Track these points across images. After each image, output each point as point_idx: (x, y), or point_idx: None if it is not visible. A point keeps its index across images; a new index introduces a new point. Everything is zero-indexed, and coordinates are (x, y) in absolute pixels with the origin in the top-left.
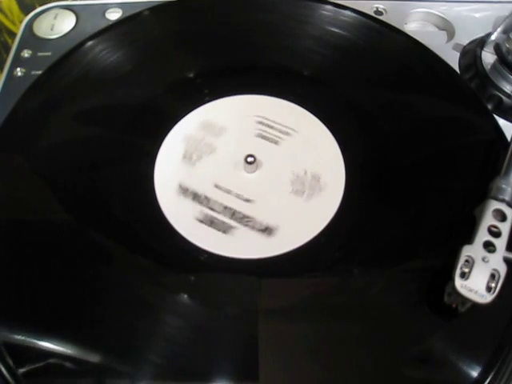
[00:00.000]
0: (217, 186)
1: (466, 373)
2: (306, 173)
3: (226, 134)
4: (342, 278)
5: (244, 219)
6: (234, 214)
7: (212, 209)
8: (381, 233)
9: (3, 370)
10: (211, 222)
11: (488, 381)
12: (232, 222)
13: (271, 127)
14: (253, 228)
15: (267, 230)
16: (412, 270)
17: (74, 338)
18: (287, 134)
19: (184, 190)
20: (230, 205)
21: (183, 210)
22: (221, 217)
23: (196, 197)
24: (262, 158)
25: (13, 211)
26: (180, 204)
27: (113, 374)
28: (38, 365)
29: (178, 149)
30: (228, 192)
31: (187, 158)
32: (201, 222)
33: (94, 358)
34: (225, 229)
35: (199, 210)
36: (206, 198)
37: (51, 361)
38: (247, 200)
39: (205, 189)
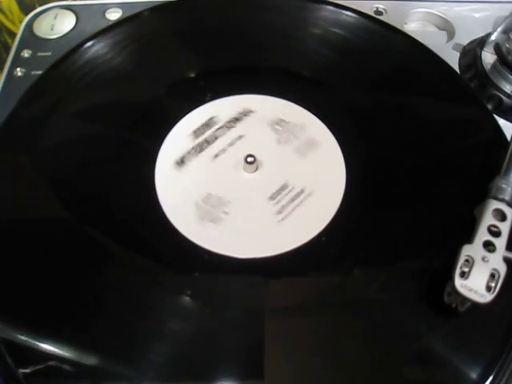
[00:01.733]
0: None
1: (466, 373)
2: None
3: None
4: (342, 277)
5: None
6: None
7: (213, 208)
8: (381, 232)
9: (3, 370)
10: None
11: (488, 381)
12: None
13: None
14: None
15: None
16: (412, 269)
17: (74, 339)
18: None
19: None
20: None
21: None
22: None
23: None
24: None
25: (13, 211)
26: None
27: (113, 374)
28: (38, 365)
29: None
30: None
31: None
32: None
33: (94, 358)
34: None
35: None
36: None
37: (51, 361)
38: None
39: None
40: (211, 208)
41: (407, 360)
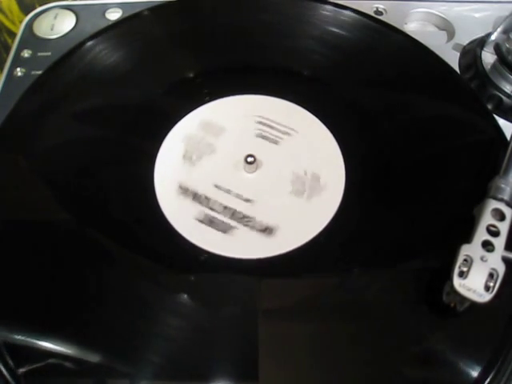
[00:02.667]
0: (217, 186)
1: (466, 373)
2: (305, 173)
3: (226, 133)
4: (342, 277)
5: (244, 219)
6: (233, 214)
7: (212, 209)
8: (380, 233)
9: (3, 370)
10: (211, 222)
11: (488, 381)
12: (232, 222)
13: (271, 127)
14: (253, 228)
15: (267, 230)
16: (412, 269)
17: (73, 338)
18: (287, 134)
19: (184, 190)
20: (229, 205)
21: (183, 210)
22: (221, 217)
23: (196, 197)
24: (262, 157)
25: (13, 211)
26: (180, 204)
27: (113, 374)
28: (37, 365)
29: (178, 149)
30: (228, 192)
31: (187, 158)
32: (201, 221)
33: (93, 358)
34: (225, 229)
35: (199, 209)
36: (206, 198)
37: (51, 361)
38: (247, 200)
39: (205, 189)
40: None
41: (407, 360)
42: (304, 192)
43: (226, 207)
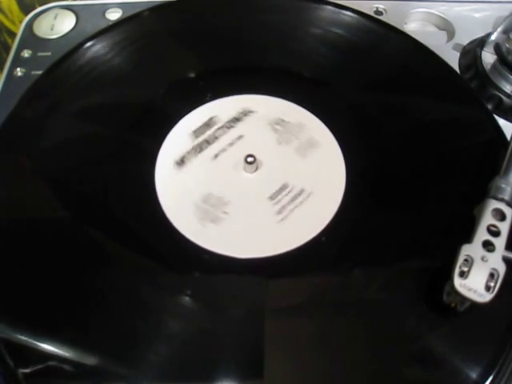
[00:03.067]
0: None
1: (466, 373)
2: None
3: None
4: (342, 277)
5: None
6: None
7: (213, 209)
8: (380, 232)
9: (3, 370)
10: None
11: (488, 381)
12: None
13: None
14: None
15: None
16: (412, 269)
17: (74, 339)
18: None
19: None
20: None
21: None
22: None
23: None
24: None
25: (13, 211)
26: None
27: (113, 374)
28: (38, 365)
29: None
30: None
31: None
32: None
33: (94, 358)
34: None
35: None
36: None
37: (51, 361)
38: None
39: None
40: (211, 208)
41: (407, 360)
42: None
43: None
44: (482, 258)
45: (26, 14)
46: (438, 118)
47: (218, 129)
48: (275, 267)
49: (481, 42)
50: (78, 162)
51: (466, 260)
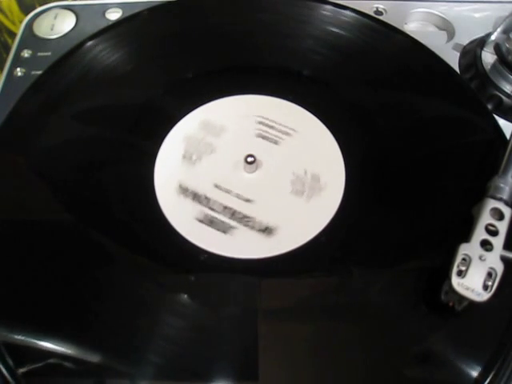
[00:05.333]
0: (217, 186)
1: (466, 373)
2: (305, 173)
3: (226, 133)
4: (342, 277)
5: (244, 219)
6: (233, 214)
7: (212, 209)
8: (380, 232)
9: (3, 370)
10: (211, 222)
11: (488, 381)
12: (232, 222)
13: (271, 127)
14: (253, 228)
15: (267, 230)
16: (411, 269)
17: (73, 338)
18: (287, 134)
19: (184, 190)
20: (229, 205)
21: (183, 210)
22: (221, 217)
23: (196, 197)
24: (262, 157)
25: (13, 211)
26: (180, 204)
27: (113, 374)
28: (37, 365)
29: (178, 149)
30: (228, 192)
31: (187, 157)
32: (201, 221)
33: (93, 358)
34: (225, 229)
35: (199, 209)
36: (206, 198)
37: (51, 361)
38: (247, 200)
39: (205, 189)
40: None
41: (407, 360)
42: (304, 192)
43: (225, 207)
44: (480, 258)
45: (26, 14)
46: (437, 117)
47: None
48: (275, 268)
49: (481, 42)
50: (77, 162)
51: (463, 259)
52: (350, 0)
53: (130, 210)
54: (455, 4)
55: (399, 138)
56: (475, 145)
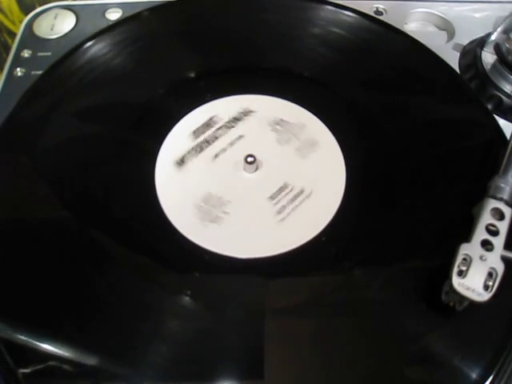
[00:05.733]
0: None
1: (466, 373)
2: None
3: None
4: (342, 277)
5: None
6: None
7: (213, 208)
8: (380, 232)
9: (3, 369)
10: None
11: (488, 381)
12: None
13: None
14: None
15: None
16: (411, 268)
17: (73, 339)
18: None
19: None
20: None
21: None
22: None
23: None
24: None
25: (13, 211)
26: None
27: (113, 375)
28: (38, 365)
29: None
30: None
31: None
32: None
33: (94, 358)
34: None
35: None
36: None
37: (51, 361)
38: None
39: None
40: (211, 208)
41: (407, 360)
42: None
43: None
44: (481, 258)
45: (26, 14)
46: (438, 117)
47: (218, 129)
48: (275, 267)
49: (481, 42)
50: (77, 162)
51: (464, 259)
52: (350, 0)
53: (131, 209)
54: (455, 4)
55: (399, 138)
56: (475, 145)
